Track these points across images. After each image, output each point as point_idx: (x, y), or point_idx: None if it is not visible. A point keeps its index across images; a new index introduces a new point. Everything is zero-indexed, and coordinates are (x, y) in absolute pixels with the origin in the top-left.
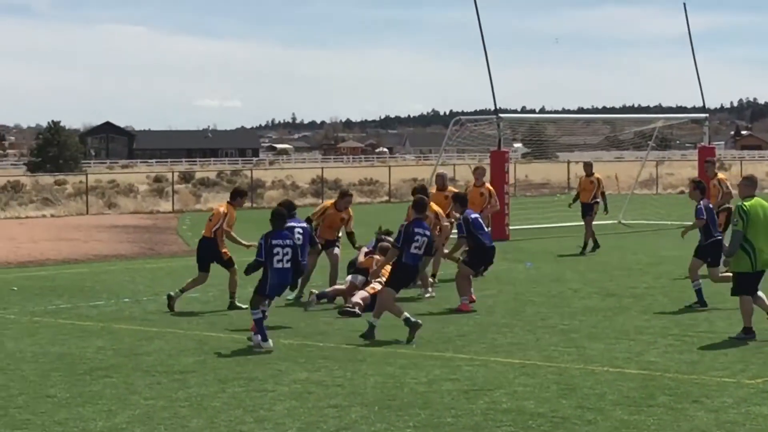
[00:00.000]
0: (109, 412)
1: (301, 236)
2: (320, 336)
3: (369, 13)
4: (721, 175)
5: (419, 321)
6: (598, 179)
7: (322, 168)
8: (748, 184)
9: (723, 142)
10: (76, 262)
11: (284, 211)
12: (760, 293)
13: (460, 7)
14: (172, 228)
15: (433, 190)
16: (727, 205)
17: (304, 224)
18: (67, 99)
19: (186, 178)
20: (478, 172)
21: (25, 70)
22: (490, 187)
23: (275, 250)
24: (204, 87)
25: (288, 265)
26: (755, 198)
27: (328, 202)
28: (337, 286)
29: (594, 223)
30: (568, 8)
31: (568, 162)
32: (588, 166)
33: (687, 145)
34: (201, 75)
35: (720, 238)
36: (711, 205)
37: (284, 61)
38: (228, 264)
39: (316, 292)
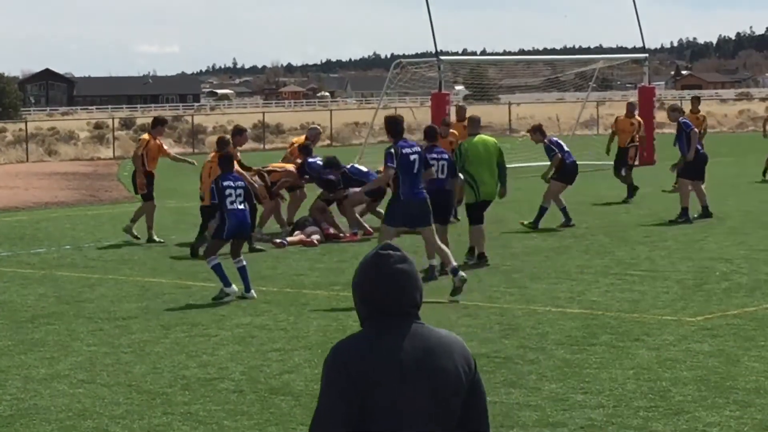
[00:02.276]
0: (51, 359)
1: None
2: (263, 281)
3: None
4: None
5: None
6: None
7: (264, 113)
8: (472, 125)
9: (663, 83)
10: (16, 209)
11: (231, 155)
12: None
13: None
14: (112, 174)
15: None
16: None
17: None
18: (5, 46)
19: (127, 124)
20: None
21: None
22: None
23: (227, 192)
24: (142, 33)
25: (242, 206)
26: (478, 135)
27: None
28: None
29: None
30: None
31: (510, 104)
32: (461, 110)
33: (627, 85)
34: (139, 21)
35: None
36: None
37: (224, 5)
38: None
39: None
